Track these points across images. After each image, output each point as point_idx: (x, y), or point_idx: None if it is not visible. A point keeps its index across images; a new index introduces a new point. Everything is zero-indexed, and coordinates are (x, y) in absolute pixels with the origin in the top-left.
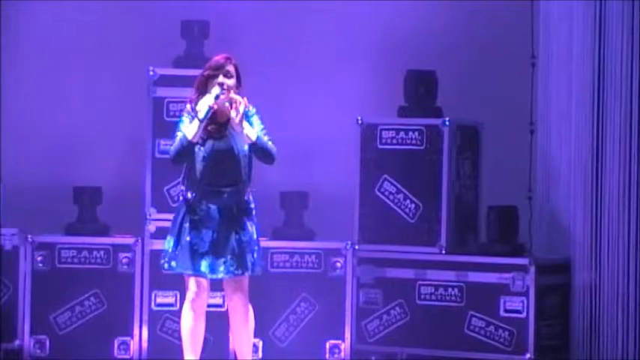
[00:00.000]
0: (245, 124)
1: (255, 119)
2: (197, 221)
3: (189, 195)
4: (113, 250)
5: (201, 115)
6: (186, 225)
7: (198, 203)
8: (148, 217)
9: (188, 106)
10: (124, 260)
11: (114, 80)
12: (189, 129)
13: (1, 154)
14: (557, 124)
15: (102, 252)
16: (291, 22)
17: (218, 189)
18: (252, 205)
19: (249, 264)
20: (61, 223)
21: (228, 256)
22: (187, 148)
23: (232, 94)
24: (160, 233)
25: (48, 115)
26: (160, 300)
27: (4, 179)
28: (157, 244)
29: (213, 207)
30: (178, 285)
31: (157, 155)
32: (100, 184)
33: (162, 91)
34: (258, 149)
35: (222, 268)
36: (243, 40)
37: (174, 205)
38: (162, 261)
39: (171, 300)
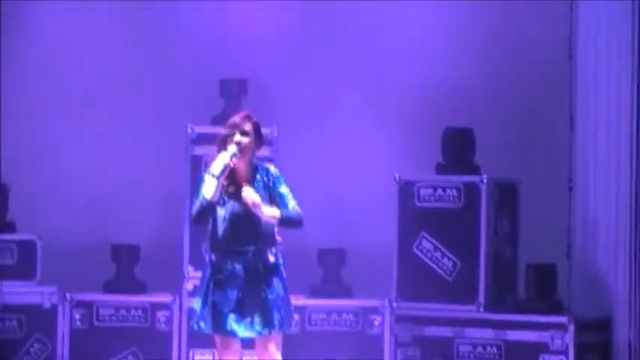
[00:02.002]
0: (265, 208)
1: (280, 183)
2: (222, 280)
3: (213, 256)
4: (151, 308)
5: (216, 172)
6: (212, 285)
7: (222, 263)
8: (185, 275)
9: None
10: (162, 318)
11: (152, 137)
12: (207, 189)
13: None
14: (595, 181)
15: (140, 310)
16: (329, 79)
17: (242, 248)
18: (281, 262)
19: (277, 322)
20: (100, 280)
21: (255, 315)
22: (207, 208)
23: (247, 193)
24: None
25: (86, 172)
26: (197, 358)
27: (43, 236)
28: None
29: (238, 266)
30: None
31: None
32: (137, 242)
33: (200, 150)
34: (283, 224)
35: (248, 327)
36: (281, 97)
37: None
38: (192, 321)
39: (208, 358)
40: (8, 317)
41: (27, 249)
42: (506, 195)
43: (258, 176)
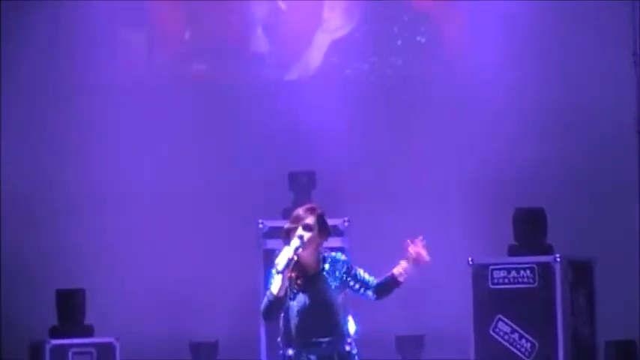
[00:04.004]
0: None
1: (354, 267)
2: None
3: (290, 351)
4: None
5: (279, 267)
6: None
7: (298, 356)
8: None
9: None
10: None
11: (225, 233)
12: (273, 284)
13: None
14: None
15: None
16: (398, 166)
17: (316, 340)
18: (355, 352)
19: None
20: None
21: None
22: (275, 303)
23: None
24: None
25: (160, 271)
26: None
27: (121, 337)
28: None
29: (312, 357)
30: None
31: None
32: (215, 338)
33: (272, 243)
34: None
35: None
36: (350, 187)
37: None
38: None
39: None
40: None
41: (106, 352)
42: (581, 273)
43: (327, 266)
